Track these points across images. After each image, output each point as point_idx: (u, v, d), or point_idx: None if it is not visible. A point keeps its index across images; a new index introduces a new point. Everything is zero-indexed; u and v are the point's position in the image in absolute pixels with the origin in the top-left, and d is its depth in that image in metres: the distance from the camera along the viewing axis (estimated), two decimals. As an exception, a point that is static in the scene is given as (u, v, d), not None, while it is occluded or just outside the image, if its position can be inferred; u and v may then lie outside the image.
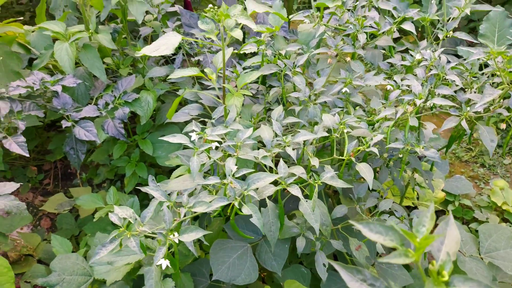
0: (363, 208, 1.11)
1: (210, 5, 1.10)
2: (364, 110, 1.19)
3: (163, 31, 1.76)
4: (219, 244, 1.22)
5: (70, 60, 1.51)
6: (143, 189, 1.21)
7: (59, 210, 1.64)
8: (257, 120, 1.36)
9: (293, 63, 1.25)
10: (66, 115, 1.46)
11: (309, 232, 1.09)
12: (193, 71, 1.27)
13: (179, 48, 1.71)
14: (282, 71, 1.26)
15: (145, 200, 1.75)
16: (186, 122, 1.75)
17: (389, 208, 1.09)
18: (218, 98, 1.37)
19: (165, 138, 0.98)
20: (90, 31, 1.59)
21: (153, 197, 0.94)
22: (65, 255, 1.31)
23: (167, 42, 1.08)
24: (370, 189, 0.94)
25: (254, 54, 1.71)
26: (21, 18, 1.79)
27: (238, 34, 1.14)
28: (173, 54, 1.81)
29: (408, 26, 1.24)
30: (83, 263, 1.30)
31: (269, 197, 0.96)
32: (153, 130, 1.78)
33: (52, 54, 1.62)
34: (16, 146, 1.25)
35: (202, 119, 1.62)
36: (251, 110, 1.34)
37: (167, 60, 1.86)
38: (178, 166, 1.33)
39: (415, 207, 1.65)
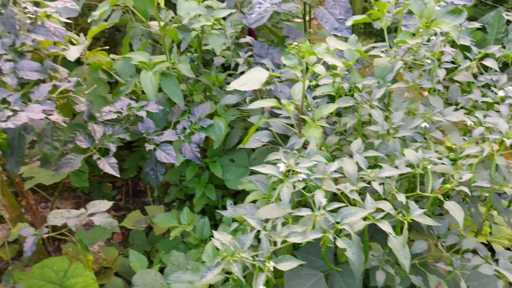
0: (444, 245, 1.11)
1: (295, 43, 1.16)
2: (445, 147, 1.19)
3: (235, 61, 1.86)
4: (293, 271, 1.25)
5: (154, 88, 1.64)
6: (224, 213, 1.28)
7: (136, 226, 1.75)
8: (329, 150, 1.40)
9: (370, 96, 1.29)
10: (148, 138, 1.58)
11: (388, 265, 1.10)
12: (271, 102, 1.34)
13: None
14: (359, 104, 1.30)
15: (211, 220, 1.82)
16: (253, 148, 1.83)
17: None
18: (292, 126, 1.43)
19: (256, 169, 1.04)
20: (171, 61, 1.71)
21: (222, 219, 1.00)
22: (145, 271, 1.40)
23: (254, 77, 1.15)
24: (462, 228, 0.94)
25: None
26: (107, 47, 1.96)
27: (321, 70, 1.19)
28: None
29: (490, 63, 1.24)
30: (161, 279, 1.38)
31: (353, 230, 0.99)
32: (222, 154, 1.86)
33: (135, 81, 1.76)
34: (109, 166, 1.37)
35: (271, 145, 1.69)
36: (326, 141, 1.38)
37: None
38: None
39: (489, 244, 1.60)
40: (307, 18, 2.07)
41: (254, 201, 1.33)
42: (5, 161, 1.26)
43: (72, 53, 1.61)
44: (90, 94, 1.71)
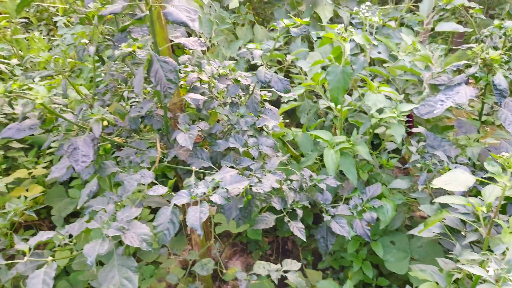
0: None
1: (504, 154, 1.24)
2: None
3: (406, 148, 1.99)
4: None
5: (334, 165, 1.85)
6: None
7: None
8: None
9: None
10: (325, 209, 1.76)
11: None
12: (461, 201, 1.41)
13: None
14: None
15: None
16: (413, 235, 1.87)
17: None
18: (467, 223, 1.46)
19: (466, 268, 1.12)
20: (351, 142, 1.92)
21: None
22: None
23: (458, 179, 1.26)
24: None
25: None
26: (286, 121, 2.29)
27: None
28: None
29: None
30: None
31: None
32: (383, 234, 1.94)
33: (315, 156, 2.01)
34: (297, 230, 1.57)
35: (440, 237, 1.72)
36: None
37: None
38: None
39: None
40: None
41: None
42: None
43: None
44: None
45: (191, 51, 1.63)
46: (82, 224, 1.14)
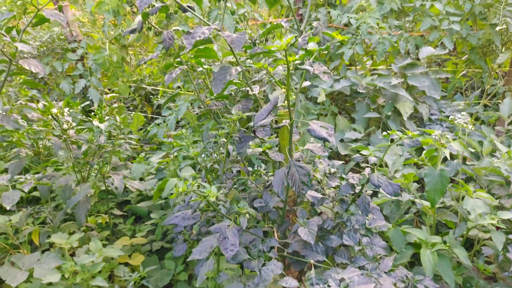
0: None
1: None
2: None
3: (503, 254, 1.97)
4: None
5: (431, 266, 1.87)
6: None
7: None
8: None
9: None
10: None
11: None
12: None
13: None
14: None
15: None
16: None
17: None
18: None
19: None
20: (447, 244, 1.94)
21: None
22: None
23: None
24: None
25: None
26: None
27: None
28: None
29: None
30: None
31: None
32: None
33: (410, 254, 2.04)
34: None
35: None
36: None
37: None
38: None
39: None
40: None
41: None
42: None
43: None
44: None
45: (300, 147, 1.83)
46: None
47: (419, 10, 3.41)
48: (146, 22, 1.82)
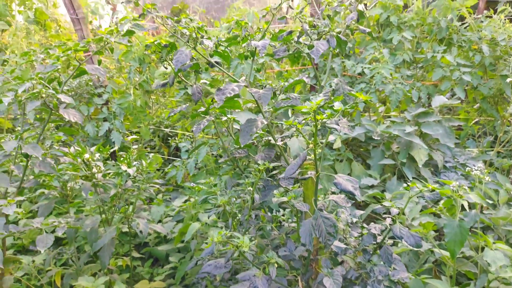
0: None
1: None
2: None
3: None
4: None
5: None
6: None
7: None
8: None
9: None
10: None
11: None
12: None
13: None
14: None
15: None
16: None
17: None
18: None
19: None
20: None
21: None
22: None
23: None
24: None
25: None
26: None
27: None
28: None
29: None
30: None
31: None
32: None
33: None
34: None
35: None
36: None
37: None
38: None
39: None
40: None
41: None
42: None
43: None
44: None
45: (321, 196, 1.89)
46: None
47: (430, 61, 3.56)
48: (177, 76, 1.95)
